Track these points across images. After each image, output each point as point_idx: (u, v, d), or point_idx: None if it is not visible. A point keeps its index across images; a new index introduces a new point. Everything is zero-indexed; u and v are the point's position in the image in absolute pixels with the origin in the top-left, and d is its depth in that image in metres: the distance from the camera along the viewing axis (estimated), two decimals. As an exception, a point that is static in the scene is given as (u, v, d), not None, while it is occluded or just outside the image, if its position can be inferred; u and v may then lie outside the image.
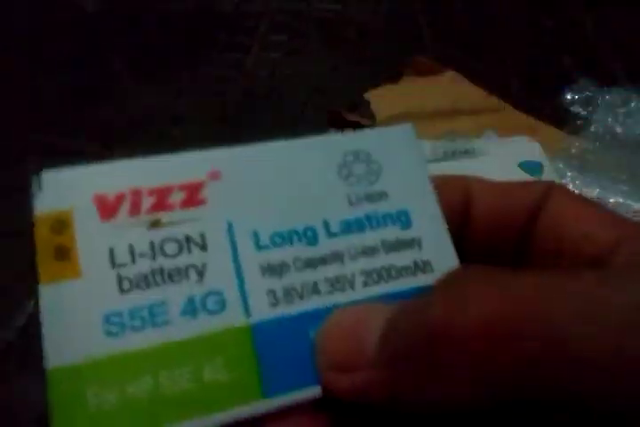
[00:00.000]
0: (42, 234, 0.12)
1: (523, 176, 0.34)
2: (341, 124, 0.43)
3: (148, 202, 0.12)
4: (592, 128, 0.42)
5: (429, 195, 0.13)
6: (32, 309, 0.36)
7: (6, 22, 0.64)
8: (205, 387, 0.11)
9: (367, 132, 0.14)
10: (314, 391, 0.11)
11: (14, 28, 0.63)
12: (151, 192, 0.12)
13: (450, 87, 0.47)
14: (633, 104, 0.44)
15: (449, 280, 0.11)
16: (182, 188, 0.12)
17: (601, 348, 0.08)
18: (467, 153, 0.36)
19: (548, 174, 0.34)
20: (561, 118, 0.45)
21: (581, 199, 0.14)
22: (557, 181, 0.34)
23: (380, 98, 0.46)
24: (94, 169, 0.13)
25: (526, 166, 0.35)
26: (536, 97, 0.49)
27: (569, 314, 0.09)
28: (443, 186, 0.14)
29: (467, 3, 0.64)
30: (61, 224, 0.12)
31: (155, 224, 0.12)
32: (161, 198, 0.12)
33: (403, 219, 0.13)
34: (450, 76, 0.48)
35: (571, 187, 0.37)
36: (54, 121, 0.51)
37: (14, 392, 0.32)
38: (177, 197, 0.12)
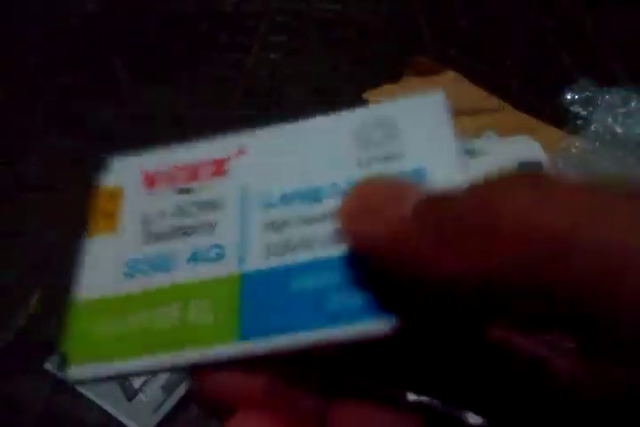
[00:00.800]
0: (97, 203, 0.15)
1: (523, 176, 0.34)
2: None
3: (182, 175, 0.15)
4: (592, 128, 0.42)
5: (450, 154, 0.13)
6: (32, 309, 0.36)
7: (7, 22, 0.64)
8: (187, 325, 0.12)
9: (394, 101, 0.15)
10: (288, 340, 0.11)
11: (15, 28, 0.63)
12: (186, 167, 0.15)
13: (450, 87, 0.47)
14: (633, 104, 0.44)
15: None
16: (211, 163, 0.15)
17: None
18: (467, 153, 0.36)
19: (548, 174, 0.34)
20: (561, 118, 0.45)
21: None
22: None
23: (380, 98, 0.46)
24: (146, 155, 0.16)
25: (526, 166, 0.35)
26: (536, 97, 0.49)
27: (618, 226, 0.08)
28: None
29: (467, 3, 0.64)
30: (113, 195, 0.15)
31: (184, 191, 0.14)
32: (193, 171, 0.15)
33: (419, 175, 0.13)
34: (450, 76, 0.48)
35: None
36: (54, 121, 0.51)
37: (14, 392, 0.32)
38: (206, 171, 0.15)
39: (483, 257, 0.09)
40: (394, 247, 0.10)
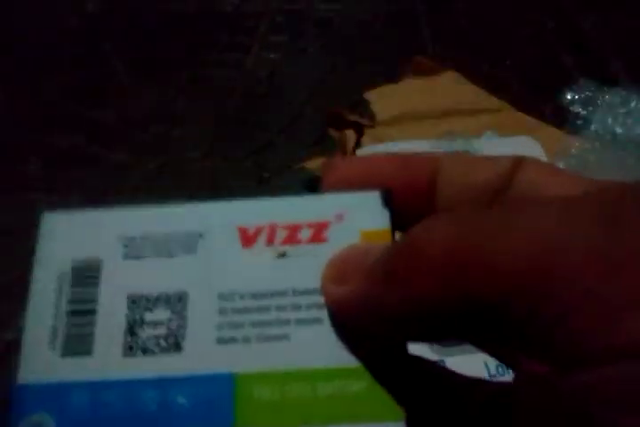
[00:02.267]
0: None
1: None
2: (341, 125, 0.43)
3: (279, 236, 0.14)
4: (592, 128, 0.42)
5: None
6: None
7: (7, 22, 0.64)
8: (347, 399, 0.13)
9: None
10: None
11: (14, 28, 0.63)
12: (285, 227, 0.14)
13: (450, 87, 0.47)
14: (633, 104, 0.44)
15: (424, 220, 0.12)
16: (310, 226, 0.14)
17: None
18: (467, 153, 0.36)
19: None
20: (561, 118, 0.45)
21: (553, 167, 0.14)
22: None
23: (380, 98, 0.46)
24: (239, 203, 0.15)
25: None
26: (536, 97, 0.49)
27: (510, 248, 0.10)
28: (410, 160, 0.14)
29: (467, 3, 0.64)
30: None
31: (282, 255, 0.14)
32: (292, 233, 0.14)
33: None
34: (450, 76, 0.48)
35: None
36: (54, 121, 0.51)
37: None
38: (305, 234, 0.14)
39: (413, 290, 0.11)
40: (356, 304, 0.12)
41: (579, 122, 0.44)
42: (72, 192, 0.43)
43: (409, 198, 0.14)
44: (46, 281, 0.15)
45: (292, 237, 0.14)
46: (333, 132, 0.43)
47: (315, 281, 0.13)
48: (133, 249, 0.14)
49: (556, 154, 0.40)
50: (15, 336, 0.35)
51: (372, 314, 0.12)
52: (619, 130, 0.42)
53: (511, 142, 0.38)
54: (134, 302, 0.14)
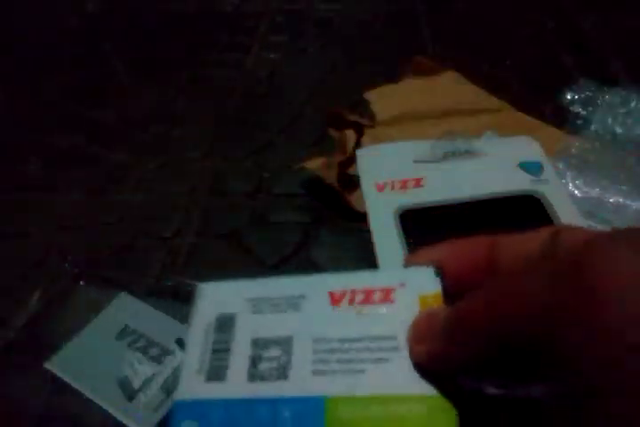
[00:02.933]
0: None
1: (523, 176, 0.34)
2: (341, 125, 0.43)
3: (358, 298, 0.20)
4: (592, 128, 0.42)
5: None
6: (32, 308, 0.36)
7: (7, 22, 0.64)
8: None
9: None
10: None
11: (15, 28, 0.63)
12: (362, 292, 0.20)
13: (450, 87, 0.47)
14: (633, 104, 0.44)
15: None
16: (381, 291, 0.20)
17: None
18: (467, 153, 0.36)
19: (548, 174, 0.34)
20: (561, 118, 0.45)
21: (584, 231, 0.16)
22: (557, 180, 0.34)
23: (380, 98, 0.46)
24: (329, 275, 0.21)
25: (526, 166, 0.35)
26: (536, 97, 0.49)
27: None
28: (468, 243, 0.19)
29: (467, 3, 0.64)
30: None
31: (359, 312, 0.20)
32: (367, 296, 0.20)
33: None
34: (450, 76, 0.48)
35: (570, 187, 0.37)
36: (54, 121, 0.51)
37: (14, 392, 0.32)
38: (377, 296, 0.20)
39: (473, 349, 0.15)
40: (430, 358, 0.17)
41: (579, 122, 0.44)
42: (72, 192, 0.43)
43: (469, 274, 0.18)
44: (199, 328, 0.21)
45: (367, 299, 0.20)
46: (333, 132, 0.43)
47: (383, 331, 0.19)
48: (258, 307, 0.21)
49: (556, 154, 0.39)
50: (15, 336, 0.35)
51: (441, 363, 0.17)
52: (619, 130, 0.42)
53: (511, 142, 0.38)
54: (256, 343, 0.20)
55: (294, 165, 0.41)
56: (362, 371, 0.18)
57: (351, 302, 0.20)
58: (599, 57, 0.54)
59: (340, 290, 0.20)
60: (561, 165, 0.39)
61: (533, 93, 0.49)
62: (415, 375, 0.18)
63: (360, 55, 0.57)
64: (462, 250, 0.19)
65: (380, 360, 0.19)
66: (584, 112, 0.44)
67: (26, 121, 0.50)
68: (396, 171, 0.34)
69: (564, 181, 0.37)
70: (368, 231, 0.30)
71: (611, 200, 0.37)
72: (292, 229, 0.39)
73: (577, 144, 0.41)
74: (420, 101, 0.46)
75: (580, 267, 0.13)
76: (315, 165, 0.40)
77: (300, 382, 0.19)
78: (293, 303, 0.21)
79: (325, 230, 0.39)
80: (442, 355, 0.16)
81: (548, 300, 0.13)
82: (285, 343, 0.20)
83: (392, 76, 0.49)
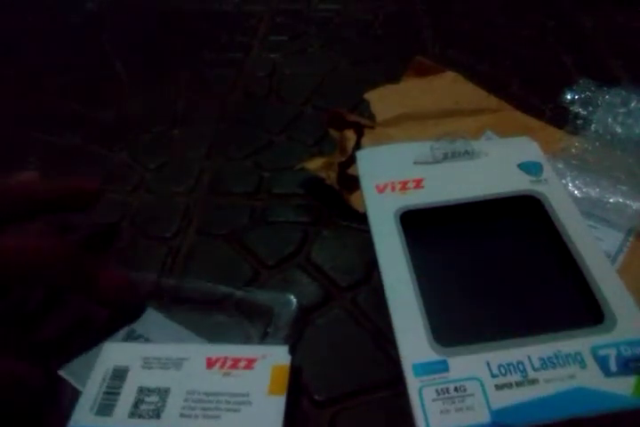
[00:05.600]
0: None
1: (522, 176, 0.34)
2: (341, 125, 0.43)
3: (228, 363, 0.27)
4: (592, 128, 0.42)
5: None
6: (32, 308, 0.36)
7: (7, 22, 0.64)
8: None
9: None
10: None
11: (15, 28, 0.63)
12: (232, 359, 0.28)
13: (450, 87, 0.47)
14: (633, 104, 0.44)
15: None
16: (246, 359, 0.28)
17: None
18: (466, 154, 0.36)
19: (548, 174, 0.34)
20: (561, 118, 0.45)
21: None
22: (557, 181, 0.34)
23: (380, 98, 0.46)
24: (209, 346, 0.30)
25: (526, 167, 0.35)
26: (536, 97, 0.49)
27: None
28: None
29: (467, 3, 0.64)
30: None
31: (227, 374, 0.27)
32: (234, 362, 0.28)
33: None
34: (450, 76, 0.48)
35: (570, 187, 0.37)
36: (54, 121, 0.51)
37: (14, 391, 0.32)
38: (242, 364, 0.27)
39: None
40: None
41: (579, 122, 0.44)
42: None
43: None
44: (99, 375, 0.27)
45: (234, 365, 0.27)
46: (333, 133, 0.43)
47: (240, 389, 0.26)
48: (147, 364, 0.28)
49: (556, 154, 0.39)
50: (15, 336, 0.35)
51: None
52: (619, 130, 0.42)
53: (511, 143, 0.38)
54: (140, 390, 0.27)
55: (294, 165, 0.41)
56: (218, 417, 0.25)
57: (222, 366, 0.27)
58: (599, 57, 0.54)
59: (215, 357, 0.28)
60: (561, 165, 0.39)
61: (533, 93, 0.49)
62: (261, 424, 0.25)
63: (360, 55, 0.57)
64: None
65: (233, 410, 0.26)
66: (584, 112, 0.44)
67: (25, 120, 0.50)
68: (396, 172, 0.34)
69: (563, 181, 0.37)
70: (368, 231, 0.30)
71: (611, 200, 0.37)
72: (291, 229, 0.39)
73: (577, 144, 0.41)
74: (420, 101, 0.46)
75: None
76: (315, 165, 0.40)
77: (169, 422, 0.25)
78: (177, 363, 0.28)
79: (325, 230, 0.39)
80: None
81: None
82: (164, 392, 0.26)
83: (392, 76, 0.49)
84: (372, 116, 0.45)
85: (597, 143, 0.41)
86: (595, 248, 0.29)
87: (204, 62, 0.57)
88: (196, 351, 0.28)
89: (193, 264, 0.37)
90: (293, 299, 0.33)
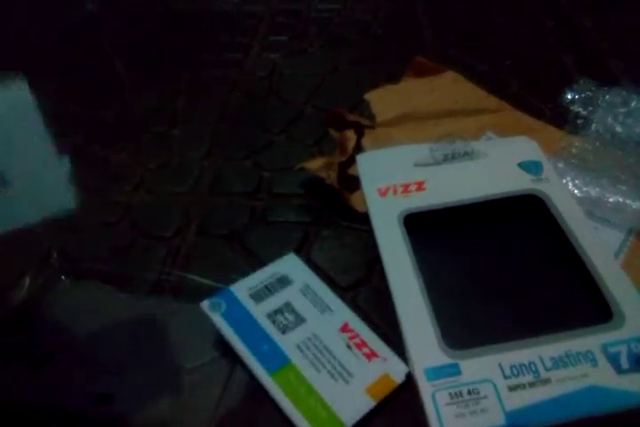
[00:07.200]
0: None
1: (523, 176, 0.34)
2: (341, 125, 0.43)
3: (356, 340, 0.30)
4: (592, 128, 0.42)
5: None
6: (32, 308, 0.36)
7: (7, 22, 0.64)
8: None
9: None
10: None
11: (15, 28, 0.63)
12: (360, 339, 0.30)
13: (450, 88, 0.47)
14: (633, 104, 0.44)
15: None
16: (370, 349, 0.30)
17: None
18: (466, 155, 0.36)
19: (548, 173, 0.34)
20: (561, 118, 0.45)
21: None
22: (558, 179, 0.34)
23: (380, 98, 0.46)
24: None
25: (526, 166, 0.35)
26: (536, 97, 0.49)
27: None
28: None
29: (467, 3, 0.64)
30: None
31: (349, 347, 0.30)
32: (361, 344, 0.30)
33: None
34: (450, 76, 0.48)
35: (570, 186, 0.37)
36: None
37: (14, 391, 0.32)
38: (366, 350, 0.30)
39: None
40: None
41: (579, 122, 0.44)
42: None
43: None
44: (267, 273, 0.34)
45: (360, 345, 0.30)
46: (333, 133, 0.43)
47: (349, 367, 0.29)
48: (306, 294, 0.32)
49: (556, 154, 0.39)
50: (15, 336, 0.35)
51: None
52: (619, 129, 0.42)
53: (510, 142, 0.38)
54: (287, 305, 0.32)
55: (294, 165, 0.41)
56: (319, 370, 0.29)
57: (351, 338, 0.30)
58: (599, 57, 0.54)
59: (351, 329, 0.31)
60: (561, 165, 0.39)
61: (533, 93, 0.49)
62: None
63: (360, 55, 0.57)
64: None
65: (334, 376, 0.29)
66: (584, 112, 0.44)
67: (26, 121, 0.50)
68: (398, 175, 0.34)
69: (564, 180, 0.37)
70: (368, 231, 0.30)
71: (610, 200, 0.37)
72: (291, 229, 0.39)
73: (577, 144, 0.41)
74: (420, 102, 0.45)
75: None
76: (315, 165, 0.40)
77: (287, 342, 0.30)
78: (323, 308, 0.31)
79: (325, 230, 0.39)
80: None
81: None
82: (300, 320, 0.30)
83: (392, 76, 0.49)
84: (372, 117, 0.45)
85: (597, 143, 0.41)
86: (599, 246, 0.29)
87: (203, 62, 0.57)
88: (341, 310, 0.31)
89: (193, 264, 0.37)
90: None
